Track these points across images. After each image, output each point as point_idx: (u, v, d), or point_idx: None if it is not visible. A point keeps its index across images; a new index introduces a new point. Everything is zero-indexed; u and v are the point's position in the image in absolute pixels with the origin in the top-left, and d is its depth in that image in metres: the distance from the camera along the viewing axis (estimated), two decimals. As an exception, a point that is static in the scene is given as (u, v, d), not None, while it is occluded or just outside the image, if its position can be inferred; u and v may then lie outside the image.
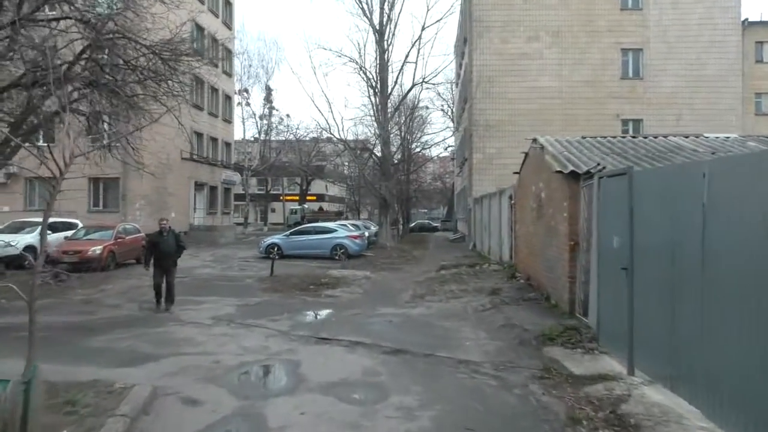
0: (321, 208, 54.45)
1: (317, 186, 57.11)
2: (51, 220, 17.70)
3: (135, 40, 9.95)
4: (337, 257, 19.24)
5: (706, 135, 11.40)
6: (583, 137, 11.14)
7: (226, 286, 13.02)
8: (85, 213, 22.21)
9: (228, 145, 35.29)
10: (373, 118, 27.69)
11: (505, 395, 5.31)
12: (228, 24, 33.62)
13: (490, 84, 25.07)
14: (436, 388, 5.49)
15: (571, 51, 25.07)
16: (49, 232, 16.85)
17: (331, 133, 27.82)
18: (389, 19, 25.53)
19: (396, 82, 27.42)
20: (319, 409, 4.91)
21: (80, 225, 18.19)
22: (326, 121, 62.27)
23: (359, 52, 41.10)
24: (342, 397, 5.22)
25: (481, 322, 8.72)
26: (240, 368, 6.26)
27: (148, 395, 4.98)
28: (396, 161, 31.02)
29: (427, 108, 40.42)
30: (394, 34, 25.71)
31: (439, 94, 42.75)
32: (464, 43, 28.90)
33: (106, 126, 12.32)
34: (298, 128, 47.76)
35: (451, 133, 40.09)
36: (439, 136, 73.36)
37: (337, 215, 47.65)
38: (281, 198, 51.71)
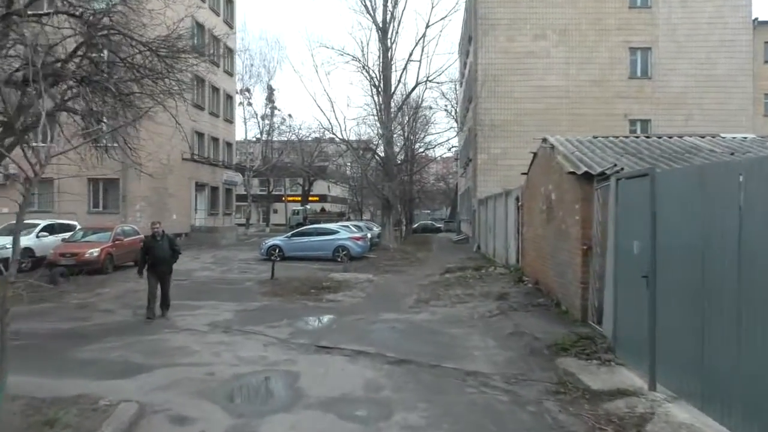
0: (323, 209, 54.14)
1: (320, 186, 56.88)
2: (49, 221, 17.67)
3: (131, 37, 9.61)
4: (339, 259, 18.91)
5: (722, 135, 10.99)
6: (595, 137, 10.75)
7: (225, 289, 12.70)
8: (85, 214, 22.00)
9: (229, 145, 35.01)
10: (376, 118, 27.27)
11: (518, 412, 4.95)
12: (229, 22, 33.32)
13: (495, 83, 24.70)
14: (443, 404, 5.14)
15: (579, 50, 24.66)
16: (46, 234, 16.99)
17: (333, 133, 27.50)
18: (393, 16, 25.04)
19: (399, 81, 26.88)
20: (318, 427, 4.59)
21: (78, 227, 17.91)
22: (329, 120, 62.53)
23: (362, 51, 40.85)
24: (343, 414, 4.88)
25: (489, 329, 8.36)
26: (235, 381, 5.92)
27: (134, 413, 4.65)
28: (399, 161, 30.66)
29: (430, 108, 40.12)
30: (397, 32, 25.28)
31: (443, 93, 42.45)
32: (469, 42, 28.51)
33: (101, 125, 11.99)
34: (300, 128, 47.75)
35: (455, 133, 39.69)
36: (442, 137, 73.00)
37: (340, 216, 47.33)
38: (283, 199, 51.47)
